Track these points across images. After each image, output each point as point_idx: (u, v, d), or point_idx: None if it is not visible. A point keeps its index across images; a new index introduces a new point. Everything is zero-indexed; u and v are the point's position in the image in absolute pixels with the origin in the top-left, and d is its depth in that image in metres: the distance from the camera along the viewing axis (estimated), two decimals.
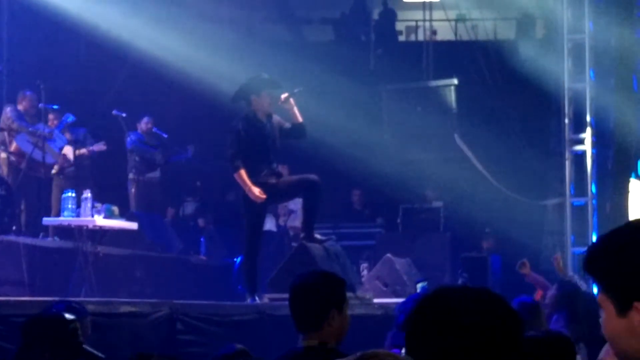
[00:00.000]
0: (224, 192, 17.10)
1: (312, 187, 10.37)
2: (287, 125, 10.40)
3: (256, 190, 10.01)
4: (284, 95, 10.36)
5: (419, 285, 9.90)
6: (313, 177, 10.43)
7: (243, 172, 10.03)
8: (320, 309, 4.30)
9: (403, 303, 6.53)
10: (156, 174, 15.02)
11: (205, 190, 17.16)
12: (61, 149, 13.38)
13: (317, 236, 10.59)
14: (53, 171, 13.34)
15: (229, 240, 15.03)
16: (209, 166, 16.11)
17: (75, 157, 13.66)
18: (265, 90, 10.32)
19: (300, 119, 10.41)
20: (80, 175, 13.56)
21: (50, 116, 13.42)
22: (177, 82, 15.72)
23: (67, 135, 13.65)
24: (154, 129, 14.98)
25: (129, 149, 14.52)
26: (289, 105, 10.38)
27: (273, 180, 10.23)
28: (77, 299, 8.80)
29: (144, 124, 14.84)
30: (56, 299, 8.59)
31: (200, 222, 16.29)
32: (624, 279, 2.04)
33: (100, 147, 14.01)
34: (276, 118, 10.41)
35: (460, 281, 9.14)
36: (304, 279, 4.46)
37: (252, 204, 10.15)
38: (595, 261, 2.10)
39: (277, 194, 10.49)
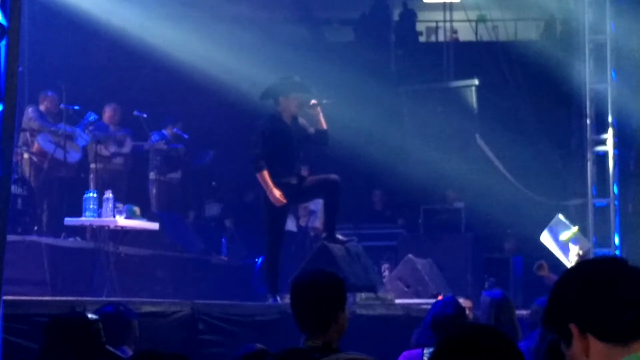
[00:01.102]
0: (242, 192, 17.11)
1: (332, 187, 10.36)
2: (311, 130, 10.40)
3: (277, 193, 10.00)
4: (312, 102, 10.36)
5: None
6: (333, 177, 10.42)
7: (266, 173, 10.04)
8: (329, 310, 4.30)
9: (434, 303, 6.55)
10: (177, 174, 15.09)
11: (225, 191, 17.19)
12: (84, 147, 13.46)
13: (339, 237, 10.58)
14: (111, 151, 13.64)
15: (250, 241, 15.04)
16: (228, 167, 16.14)
17: (132, 148, 14.24)
18: (295, 92, 10.32)
19: (325, 126, 10.41)
20: (118, 172, 13.83)
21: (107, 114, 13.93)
22: (197, 82, 15.74)
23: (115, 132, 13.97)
24: (175, 129, 15.04)
25: (152, 149, 14.59)
26: (315, 112, 10.37)
27: (294, 181, 10.23)
28: (100, 299, 8.85)
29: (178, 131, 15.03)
30: (79, 298, 8.64)
31: (227, 223, 16.34)
32: (562, 309, 2.33)
33: (161, 146, 14.31)
34: (301, 121, 10.41)
35: (486, 285, 9.11)
36: (310, 280, 4.42)
37: (273, 204, 10.15)
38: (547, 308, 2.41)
39: (297, 195, 10.50)
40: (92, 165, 13.52)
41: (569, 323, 2.30)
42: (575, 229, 10.94)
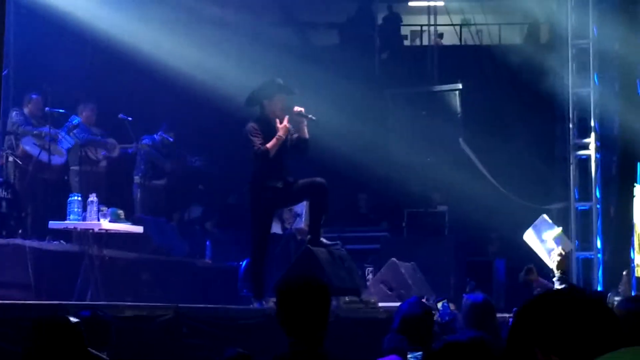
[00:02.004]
0: (226, 195, 17.13)
1: (318, 190, 10.38)
2: (294, 136, 10.40)
3: (282, 128, 10.08)
4: (298, 109, 10.35)
5: (439, 304, 9.93)
6: (320, 180, 10.44)
7: (267, 144, 10.06)
8: (317, 316, 4.34)
9: (400, 306, 6.59)
10: (162, 180, 15.10)
11: (208, 194, 17.20)
12: (68, 150, 13.45)
13: (323, 240, 10.59)
14: (101, 156, 13.93)
15: (234, 244, 15.06)
16: (212, 169, 16.16)
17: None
18: (278, 95, 10.33)
19: (307, 135, 10.42)
20: (101, 174, 13.88)
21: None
22: (183, 86, 15.75)
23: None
24: (160, 132, 15.05)
25: (140, 152, 14.59)
26: (300, 120, 10.38)
27: (280, 185, 10.25)
28: (86, 303, 8.86)
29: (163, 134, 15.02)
30: (63, 302, 8.66)
31: (208, 225, 16.35)
32: (527, 335, 2.43)
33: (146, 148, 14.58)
34: (288, 126, 10.43)
35: (467, 288, 9.18)
36: (298, 287, 4.44)
37: (260, 208, 10.17)
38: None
39: (284, 198, 10.51)
40: (75, 168, 13.51)
41: (533, 347, 2.42)
42: (559, 229, 11.05)
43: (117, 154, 14.30)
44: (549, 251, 9.94)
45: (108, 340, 6.56)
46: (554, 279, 8.92)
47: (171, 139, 15.11)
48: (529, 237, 11.00)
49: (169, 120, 15.63)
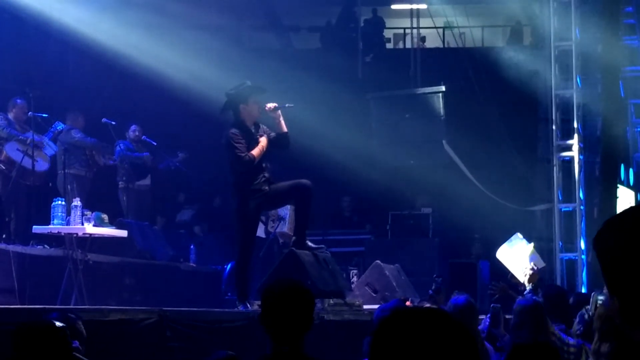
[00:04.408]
0: (210, 198, 17.12)
1: (304, 192, 10.35)
2: (272, 134, 10.40)
3: (263, 141, 10.09)
4: (272, 105, 10.34)
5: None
6: (305, 182, 10.41)
7: (254, 151, 10.07)
8: (301, 320, 4.36)
9: (378, 310, 6.58)
10: (146, 181, 15.09)
11: (194, 198, 17.20)
12: (52, 156, 13.42)
13: (309, 243, 10.59)
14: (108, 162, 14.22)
15: (218, 247, 15.05)
16: (196, 173, 16.15)
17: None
18: (253, 97, 10.33)
19: (285, 129, 10.40)
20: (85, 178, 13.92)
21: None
22: (165, 90, 15.75)
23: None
24: (143, 137, 15.04)
25: (119, 158, 14.59)
26: (276, 115, 10.38)
27: (266, 188, 10.24)
28: (68, 307, 8.84)
29: (132, 133, 14.96)
30: (46, 306, 8.63)
31: (197, 229, 16.35)
32: (611, 264, 2.10)
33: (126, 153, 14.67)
34: (263, 127, 10.43)
35: (434, 286, 9.17)
36: (283, 291, 4.45)
37: (246, 211, 10.15)
38: (597, 240, 2.15)
39: (269, 201, 10.48)
40: (62, 172, 13.51)
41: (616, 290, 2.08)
42: (531, 246, 11.08)
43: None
44: (521, 267, 9.97)
45: (79, 339, 6.54)
46: (525, 292, 8.99)
47: (154, 143, 15.10)
48: (502, 253, 11.04)
49: (152, 123, 15.62)
